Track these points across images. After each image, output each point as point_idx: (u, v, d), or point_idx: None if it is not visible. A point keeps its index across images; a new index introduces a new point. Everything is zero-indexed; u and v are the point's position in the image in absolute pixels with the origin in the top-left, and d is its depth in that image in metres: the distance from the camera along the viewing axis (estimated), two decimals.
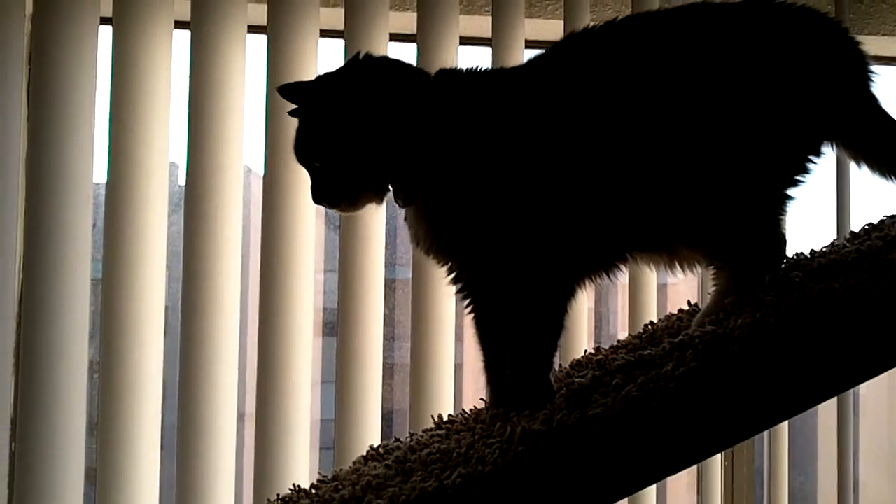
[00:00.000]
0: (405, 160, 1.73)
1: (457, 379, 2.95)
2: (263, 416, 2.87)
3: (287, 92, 1.80)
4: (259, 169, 3.00)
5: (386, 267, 2.96)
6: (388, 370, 3.27)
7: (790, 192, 1.76)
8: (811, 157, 1.76)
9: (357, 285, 2.91)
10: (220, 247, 2.88)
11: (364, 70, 1.80)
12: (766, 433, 3.16)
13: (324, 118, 1.76)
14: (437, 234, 1.75)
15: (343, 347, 2.90)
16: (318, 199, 1.79)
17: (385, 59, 1.85)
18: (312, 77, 2.83)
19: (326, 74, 1.83)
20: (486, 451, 1.52)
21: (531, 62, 1.83)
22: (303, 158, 1.81)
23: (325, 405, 3.23)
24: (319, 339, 3.26)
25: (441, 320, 2.93)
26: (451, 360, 2.93)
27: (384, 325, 2.96)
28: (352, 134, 1.73)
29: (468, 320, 1.83)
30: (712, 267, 1.78)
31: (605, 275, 1.77)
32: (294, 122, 1.83)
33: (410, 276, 2.99)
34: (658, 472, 1.53)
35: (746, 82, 1.70)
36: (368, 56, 1.83)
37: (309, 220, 2.91)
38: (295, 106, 1.83)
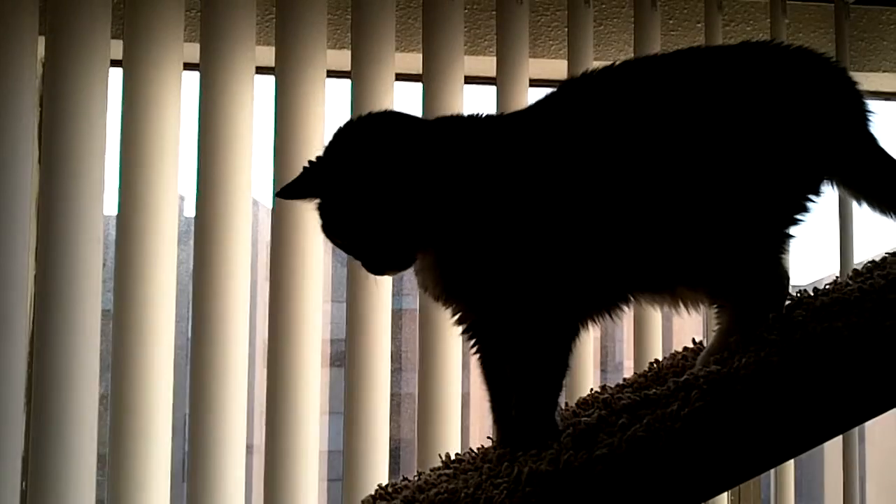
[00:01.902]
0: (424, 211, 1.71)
1: (463, 409, 2.96)
2: (272, 447, 2.88)
3: (293, 191, 1.73)
4: (267, 202, 3.02)
5: (392, 297, 2.97)
6: (395, 400, 3.27)
7: (790, 230, 1.77)
8: (810, 196, 1.77)
9: (365, 316, 2.92)
10: (230, 279, 2.90)
11: (364, 138, 1.72)
12: (772, 496, 3.17)
13: (354, 197, 1.68)
14: (446, 280, 1.74)
15: (351, 378, 2.91)
16: (378, 270, 1.73)
17: (383, 116, 1.80)
18: (319, 117, 2.88)
19: (326, 158, 1.74)
20: (494, 491, 1.52)
21: (531, 109, 1.83)
22: (340, 239, 1.73)
23: (332, 436, 3.23)
24: (327, 370, 3.27)
25: (448, 350, 2.94)
26: (458, 390, 2.94)
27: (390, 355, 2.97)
28: (388, 203, 1.67)
29: (474, 360, 1.83)
30: (715, 306, 1.79)
31: (608, 315, 1.78)
32: (302, 161, 1.81)
33: (417, 306, 3.00)
34: None
35: (745, 123, 1.71)
36: (363, 121, 1.77)
37: (317, 253, 2.93)
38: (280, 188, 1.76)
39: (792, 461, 3.14)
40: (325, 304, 3.06)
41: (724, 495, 3.08)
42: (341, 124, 1.78)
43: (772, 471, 3.18)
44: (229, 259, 2.90)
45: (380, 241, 1.70)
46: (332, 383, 3.29)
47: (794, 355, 1.54)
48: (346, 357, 2.93)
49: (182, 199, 3.07)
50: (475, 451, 1.89)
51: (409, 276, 3.29)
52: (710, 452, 1.50)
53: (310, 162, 1.74)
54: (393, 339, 2.98)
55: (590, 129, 1.72)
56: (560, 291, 1.68)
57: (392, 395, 2.96)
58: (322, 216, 1.72)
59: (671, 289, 1.78)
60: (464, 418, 2.96)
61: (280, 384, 2.89)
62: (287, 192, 1.74)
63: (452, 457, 1.94)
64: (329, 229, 1.72)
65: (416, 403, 2.96)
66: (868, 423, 3.55)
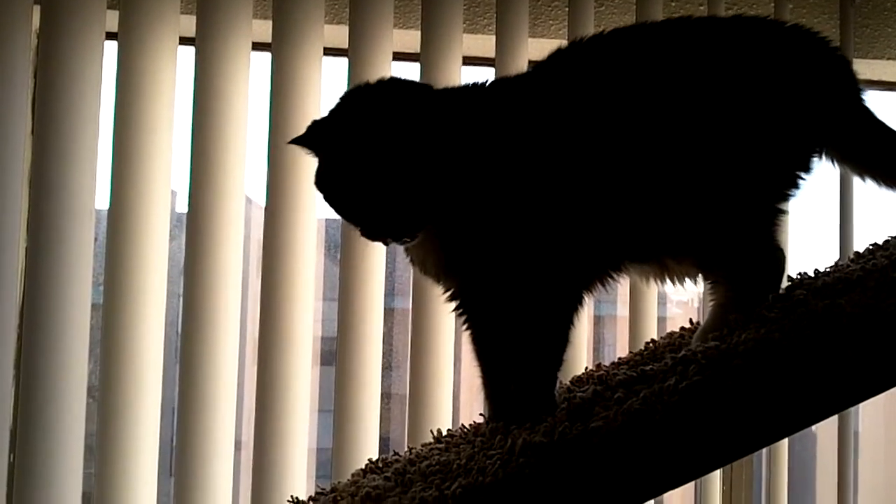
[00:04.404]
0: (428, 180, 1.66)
1: (454, 409, 2.93)
2: (261, 444, 2.86)
3: (301, 140, 1.72)
4: (260, 200, 3.00)
5: (385, 296, 2.95)
6: (386, 399, 3.25)
7: (780, 205, 1.76)
8: (800, 172, 1.76)
9: (356, 314, 2.90)
10: (221, 275, 2.87)
11: (378, 100, 1.69)
12: (764, 470, 3.15)
13: (362, 156, 1.63)
14: (447, 254, 1.72)
15: (341, 376, 2.89)
16: (376, 236, 1.68)
17: (397, 82, 1.76)
18: (315, 96, 2.87)
19: (341, 112, 1.72)
20: (487, 462, 1.51)
21: (528, 77, 1.83)
22: (343, 204, 1.69)
23: (322, 434, 3.21)
24: (318, 368, 3.25)
25: (439, 350, 2.91)
26: (449, 390, 2.92)
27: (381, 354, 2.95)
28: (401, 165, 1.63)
29: (465, 336, 1.80)
30: (708, 281, 1.78)
31: (601, 286, 1.76)
32: (294, 152, 1.79)
33: (409, 305, 2.98)
34: (659, 486, 1.51)
35: (734, 94, 1.71)
36: (377, 84, 1.74)
37: (309, 250, 2.91)
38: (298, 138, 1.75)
39: (785, 467, 3.12)
40: (317, 302, 3.04)
41: (717, 491, 3.07)
42: (354, 85, 1.76)
43: (763, 476, 3.16)
44: (221, 255, 2.88)
45: (380, 206, 1.64)
46: (322, 381, 3.27)
47: (796, 331, 1.52)
48: (336, 355, 2.91)
49: (175, 193, 3.06)
50: (467, 426, 1.87)
51: (403, 275, 3.29)
52: (706, 426, 1.48)
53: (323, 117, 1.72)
54: (384, 338, 2.96)
55: (584, 99, 1.71)
56: (564, 259, 1.67)
57: (382, 394, 2.94)
58: (325, 175, 1.70)
59: (659, 259, 1.77)
60: (454, 417, 2.94)
61: (270, 381, 2.87)
62: (297, 140, 1.73)
63: (444, 432, 1.92)
64: (330, 189, 1.69)
65: (406, 403, 2.94)
66: (861, 431, 3.57)
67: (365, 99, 1.71)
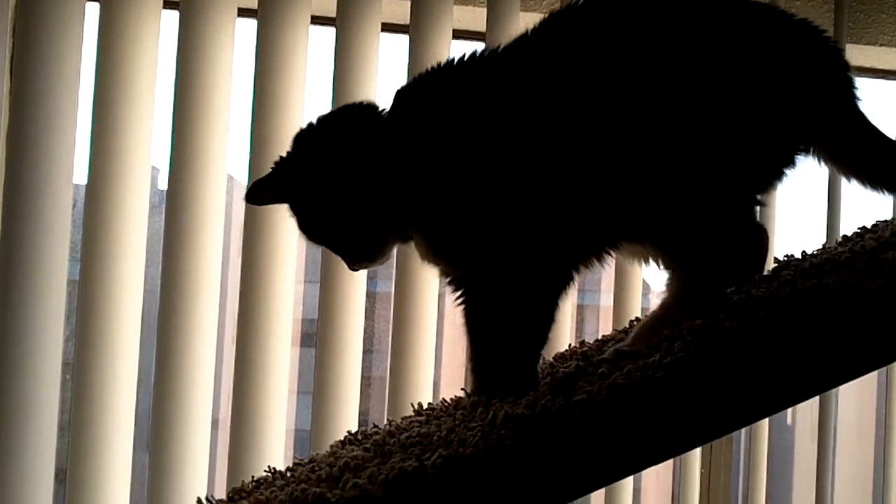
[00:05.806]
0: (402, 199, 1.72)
1: (434, 392, 2.92)
2: (238, 423, 2.84)
3: (260, 197, 1.84)
4: (242, 178, 2.98)
5: (367, 280, 2.94)
6: (366, 382, 3.24)
7: (761, 195, 1.76)
8: (782, 167, 1.75)
9: (338, 297, 2.89)
10: (201, 254, 2.85)
11: (319, 139, 1.78)
12: (742, 470, 3.15)
13: (313, 201, 1.76)
14: (437, 247, 1.74)
15: (322, 358, 2.88)
16: (354, 265, 1.81)
17: (343, 114, 1.83)
18: (301, 65, 2.84)
19: (289, 159, 1.80)
20: (468, 433, 1.49)
21: (505, 52, 1.79)
22: (316, 240, 1.81)
23: (300, 415, 3.20)
24: (297, 350, 3.23)
25: (420, 335, 2.91)
26: (429, 373, 2.91)
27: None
28: (349, 203, 1.72)
29: (457, 311, 1.80)
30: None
31: (597, 261, 1.75)
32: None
33: (392, 290, 2.97)
34: (640, 461, 1.49)
35: (729, 82, 1.68)
36: (314, 126, 1.81)
37: (290, 231, 2.89)
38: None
39: (764, 469, 3.12)
40: (298, 284, 3.02)
41: (697, 473, 3.07)
42: (305, 125, 1.82)
43: (741, 476, 3.16)
44: (201, 233, 2.86)
45: (351, 238, 1.76)
46: (301, 362, 3.25)
47: (782, 310, 1.51)
48: (317, 337, 2.89)
49: (157, 171, 3.03)
50: (448, 400, 1.86)
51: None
52: (690, 403, 1.47)
53: (276, 163, 1.79)
54: (366, 322, 2.95)
55: (570, 73, 1.69)
56: (547, 239, 1.66)
57: (362, 376, 2.93)
58: (296, 217, 1.79)
59: (642, 242, 1.76)
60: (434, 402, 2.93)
61: (249, 361, 2.86)
62: (255, 198, 1.84)
63: (424, 405, 1.91)
64: (303, 230, 1.79)
65: (386, 386, 2.93)
66: (839, 425, 3.58)
67: (318, 141, 1.78)
